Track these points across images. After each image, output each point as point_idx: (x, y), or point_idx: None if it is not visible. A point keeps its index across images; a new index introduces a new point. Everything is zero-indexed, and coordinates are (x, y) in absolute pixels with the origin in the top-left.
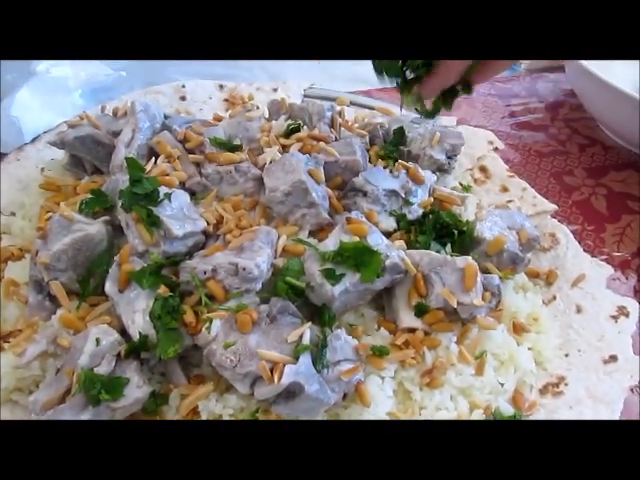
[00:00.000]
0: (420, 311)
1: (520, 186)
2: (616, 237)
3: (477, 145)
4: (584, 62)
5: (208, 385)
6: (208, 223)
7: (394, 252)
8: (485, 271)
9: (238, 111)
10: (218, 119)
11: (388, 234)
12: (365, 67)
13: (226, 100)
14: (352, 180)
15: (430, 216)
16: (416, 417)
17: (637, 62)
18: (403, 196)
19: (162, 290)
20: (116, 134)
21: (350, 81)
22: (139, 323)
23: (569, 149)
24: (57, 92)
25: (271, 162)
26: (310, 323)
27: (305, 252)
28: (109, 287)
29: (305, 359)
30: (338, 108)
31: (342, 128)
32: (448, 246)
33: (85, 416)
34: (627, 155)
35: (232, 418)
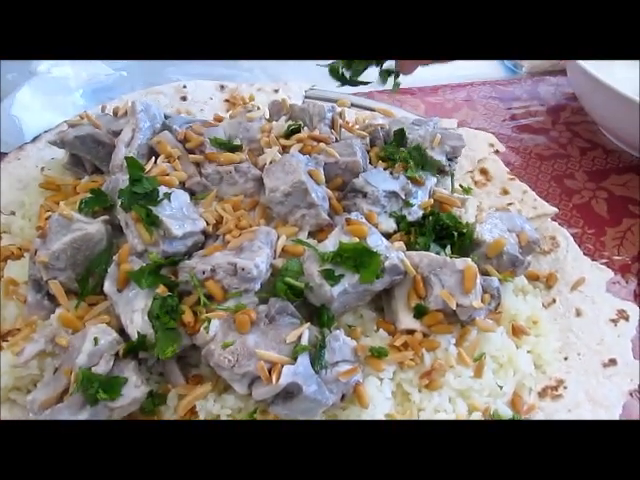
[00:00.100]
0: (419, 313)
1: (521, 189)
2: (616, 241)
3: (478, 147)
4: (585, 65)
5: (206, 385)
6: (208, 223)
7: (393, 253)
8: (485, 273)
9: (239, 111)
10: (219, 119)
11: (388, 235)
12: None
13: (227, 101)
14: (352, 181)
15: (430, 218)
16: (414, 419)
17: (638, 66)
18: (403, 197)
19: (161, 290)
20: (116, 134)
21: None
22: (137, 323)
23: (570, 152)
24: (58, 92)
25: (271, 162)
26: (309, 324)
27: (304, 253)
28: (108, 286)
29: (303, 360)
30: (339, 109)
31: (342, 129)
32: (448, 248)
33: (83, 415)
34: (628, 159)
35: (230, 418)
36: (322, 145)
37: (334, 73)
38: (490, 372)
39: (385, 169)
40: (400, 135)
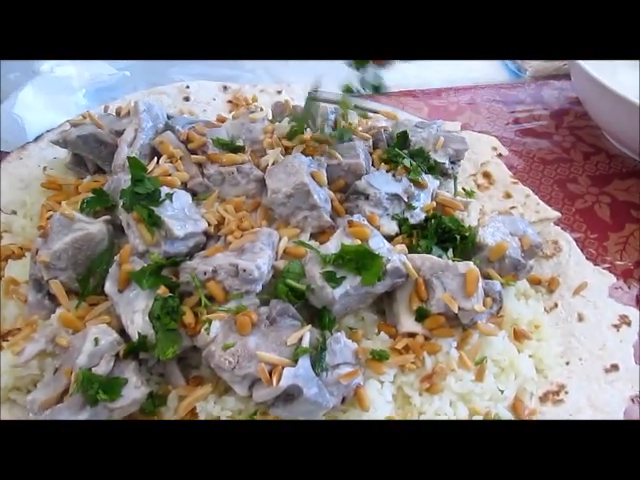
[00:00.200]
0: (421, 316)
1: (523, 193)
2: (619, 246)
3: (481, 151)
4: (590, 70)
5: (206, 387)
6: (209, 224)
7: (395, 256)
8: (487, 277)
9: (241, 112)
10: (221, 120)
11: (390, 238)
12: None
13: (230, 101)
14: (355, 183)
15: (432, 221)
16: (414, 419)
17: None
18: (405, 200)
19: (162, 290)
20: (119, 134)
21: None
22: (138, 323)
23: (573, 157)
24: (61, 91)
25: (274, 164)
26: (310, 326)
27: (306, 254)
28: (109, 287)
29: (304, 362)
30: (342, 111)
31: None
32: (450, 251)
33: (83, 416)
34: (632, 164)
35: (230, 420)
36: (325, 146)
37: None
38: (491, 376)
39: (388, 171)
40: (403, 138)
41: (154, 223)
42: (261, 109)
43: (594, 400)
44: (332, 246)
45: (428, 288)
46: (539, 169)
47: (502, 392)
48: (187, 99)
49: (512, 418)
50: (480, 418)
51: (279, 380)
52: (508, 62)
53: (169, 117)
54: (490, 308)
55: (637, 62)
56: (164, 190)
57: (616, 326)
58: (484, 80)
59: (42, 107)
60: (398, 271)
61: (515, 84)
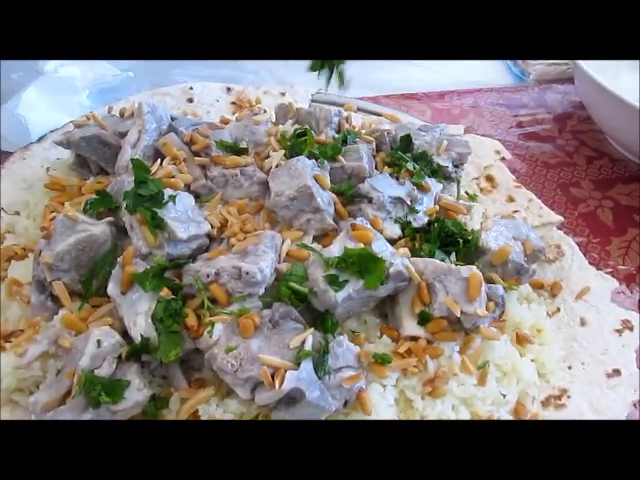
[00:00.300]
0: (423, 319)
1: (526, 197)
2: (622, 250)
3: (484, 154)
4: (593, 74)
5: (209, 389)
6: (212, 226)
7: (398, 260)
8: (489, 281)
9: (245, 114)
10: (225, 122)
11: (392, 241)
12: (372, 74)
13: (233, 103)
14: (358, 186)
15: (435, 224)
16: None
17: None
18: (409, 203)
19: (165, 293)
20: (122, 135)
21: (357, 87)
22: (141, 325)
23: (576, 161)
24: (64, 92)
25: (277, 166)
26: (312, 329)
27: (309, 257)
28: (112, 288)
29: (307, 365)
30: (345, 114)
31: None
32: (453, 255)
33: (85, 418)
34: (634, 168)
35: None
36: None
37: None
38: (494, 380)
39: (391, 175)
40: (406, 141)
41: (157, 225)
42: (264, 111)
43: (596, 405)
44: (335, 249)
45: (431, 292)
46: (542, 173)
47: (504, 396)
48: (191, 100)
49: None
50: None
51: (281, 383)
52: (512, 66)
53: (173, 119)
54: (493, 312)
55: None
56: (167, 192)
57: (618, 331)
58: (487, 84)
59: (45, 107)
60: (401, 275)
61: (518, 88)
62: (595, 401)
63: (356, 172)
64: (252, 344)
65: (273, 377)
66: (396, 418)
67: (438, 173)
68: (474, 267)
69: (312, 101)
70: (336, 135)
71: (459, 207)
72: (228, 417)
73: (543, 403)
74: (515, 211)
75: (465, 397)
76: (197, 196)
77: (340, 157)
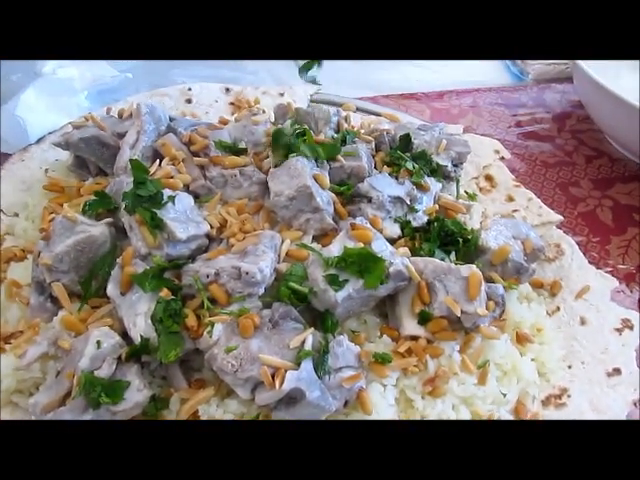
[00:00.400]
0: (423, 319)
1: (526, 196)
2: (621, 249)
3: (483, 154)
4: (592, 73)
5: (209, 390)
6: (212, 226)
7: (398, 259)
8: (489, 280)
9: (244, 115)
10: (224, 122)
11: (392, 241)
12: (372, 74)
13: (232, 104)
14: (357, 186)
15: (435, 224)
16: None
17: None
18: (408, 203)
19: (164, 293)
20: (121, 136)
21: (356, 87)
22: (140, 326)
23: (575, 160)
24: (63, 93)
25: (275, 166)
26: (312, 329)
27: (309, 257)
28: (111, 289)
29: (307, 365)
30: (344, 113)
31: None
32: (452, 254)
33: (85, 419)
34: (634, 167)
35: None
36: None
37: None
38: (494, 380)
39: (390, 174)
40: (406, 140)
41: (156, 225)
42: (263, 111)
43: (596, 404)
44: (335, 249)
45: (431, 291)
46: (541, 172)
47: (504, 395)
48: (189, 101)
49: None
50: None
51: (282, 383)
52: (510, 65)
53: (171, 119)
54: (493, 311)
55: None
56: (166, 192)
57: (618, 330)
58: (486, 83)
59: (44, 109)
60: (401, 274)
61: (517, 87)
62: (595, 400)
63: (355, 172)
64: (252, 344)
65: (273, 377)
66: (396, 418)
67: (437, 172)
68: (474, 266)
69: (311, 101)
70: (335, 135)
71: (459, 206)
72: (228, 417)
73: (543, 402)
74: (514, 210)
75: (465, 396)
76: (196, 196)
77: (339, 157)
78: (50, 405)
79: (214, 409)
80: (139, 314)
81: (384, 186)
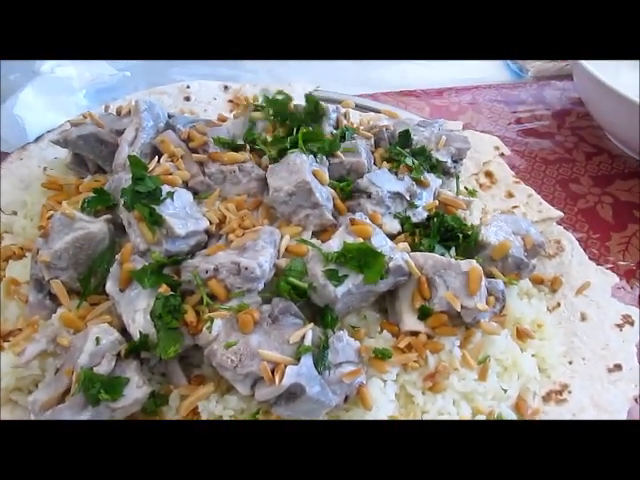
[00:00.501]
0: (423, 314)
1: (526, 192)
2: (622, 246)
3: (483, 150)
4: (592, 70)
5: (209, 386)
6: (211, 223)
7: (398, 254)
8: (489, 276)
9: (243, 112)
10: (222, 120)
11: (392, 236)
12: (371, 71)
13: (230, 101)
14: (357, 181)
15: (435, 219)
16: (417, 419)
17: None
18: (408, 199)
19: (163, 289)
20: (120, 133)
21: (356, 85)
22: (140, 322)
23: (575, 157)
24: (61, 92)
25: (274, 161)
26: (312, 324)
27: (308, 253)
28: (110, 286)
29: (307, 360)
30: (343, 110)
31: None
32: (452, 250)
33: (84, 416)
34: (634, 164)
35: (232, 419)
36: None
37: None
38: (494, 375)
39: (390, 170)
40: (405, 136)
41: (155, 222)
42: (262, 108)
43: (597, 400)
44: (334, 244)
45: (431, 286)
46: (541, 169)
47: (505, 391)
48: (188, 99)
49: (515, 417)
50: (483, 417)
51: (282, 379)
52: (510, 62)
53: (170, 116)
54: (493, 307)
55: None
56: (165, 189)
57: (619, 326)
58: (486, 80)
59: (42, 108)
60: (401, 269)
61: (517, 84)
62: (596, 396)
63: (355, 167)
64: (252, 340)
65: (273, 372)
66: (397, 413)
67: (437, 168)
68: (474, 261)
69: None
70: (334, 131)
71: (458, 202)
72: (228, 413)
73: (544, 398)
74: (514, 206)
75: (466, 392)
76: (195, 193)
77: (338, 153)
78: (49, 402)
79: (214, 405)
80: (138, 310)
81: (383, 182)
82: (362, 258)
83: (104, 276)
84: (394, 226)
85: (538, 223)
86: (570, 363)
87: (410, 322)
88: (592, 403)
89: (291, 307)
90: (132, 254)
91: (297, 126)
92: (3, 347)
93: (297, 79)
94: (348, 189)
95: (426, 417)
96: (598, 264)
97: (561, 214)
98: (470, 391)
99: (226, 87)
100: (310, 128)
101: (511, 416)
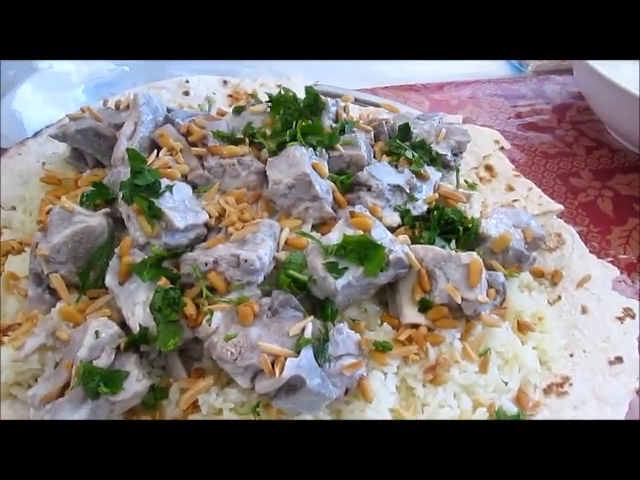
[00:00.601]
0: (424, 307)
1: (526, 186)
2: (622, 240)
3: (483, 144)
4: (592, 64)
5: (208, 379)
6: (210, 216)
7: (398, 246)
8: (490, 268)
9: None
10: (221, 114)
11: (392, 229)
12: (371, 65)
13: (230, 96)
14: (356, 174)
15: (435, 212)
16: (419, 414)
17: None
18: (408, 191)
19: (163, 282)
20: (118, 127)
21: (355, 79)
22: (139, 315)
23: (576, 151)
24: (59, 87)
25: (273, 154)
26: (312, 317)
27: (308, 245)
28: (109, 279)
29: (307, 353)
30: (342, 104)
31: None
32: (453, 242)
33: (84, 410)
34: (634, 158)
35: (232, 412)
36: None
37: None
38: (495, 368)
39: (390, 163)
40: (405, 130)
41: (154, 215)
42: (261, 102)
43: (598, 392)
44: (334, 237)
45: (431, 279)
46: (541, 163)
47: (506, 384)
48: (187, 93)
49: (516, 410)
50: (484, 410)
51: (282, 371)
52: None
53: (169, 110)
54: (494, 299)
55: None
56: (164, 182)
57: (620, 318)
58: (486, 75)
59: (41, 103)
60: (401, 262)
61: (517, 79)
62: (597, 388)
63: (354, 160)
64: (251, 332)
65: (273, 365)
66: (397, 406)
67: (437, 161)
68: (474, 254)
69: None
70: (334, 125)
71: (458, 195)
72: (228, 406)
73: (545, 391)
74: (515, 200)
75: (467, 384)
76: (194, 186)
77: (338, 146)
78: (49, 396)
79: (214, 398)
80: (137, 303)
81: (383, 175)
82: (362, 250)
83: (103, 270)
84: (394, 219)
85: (538, 216)
86: (571, 356)
87: (410, 315)
88: (593, 395)
89: (291, 300)
90: (131, 247)
91: (296, 119)
92: (3, 341)
93: (296, 73)
94: (348, 182)
95: (427, 409)
96: (599, 258)
97: (561, 207)
98: (471, 384)
99: (225, 82)
100: (309, 121)
101: (512, 409)
